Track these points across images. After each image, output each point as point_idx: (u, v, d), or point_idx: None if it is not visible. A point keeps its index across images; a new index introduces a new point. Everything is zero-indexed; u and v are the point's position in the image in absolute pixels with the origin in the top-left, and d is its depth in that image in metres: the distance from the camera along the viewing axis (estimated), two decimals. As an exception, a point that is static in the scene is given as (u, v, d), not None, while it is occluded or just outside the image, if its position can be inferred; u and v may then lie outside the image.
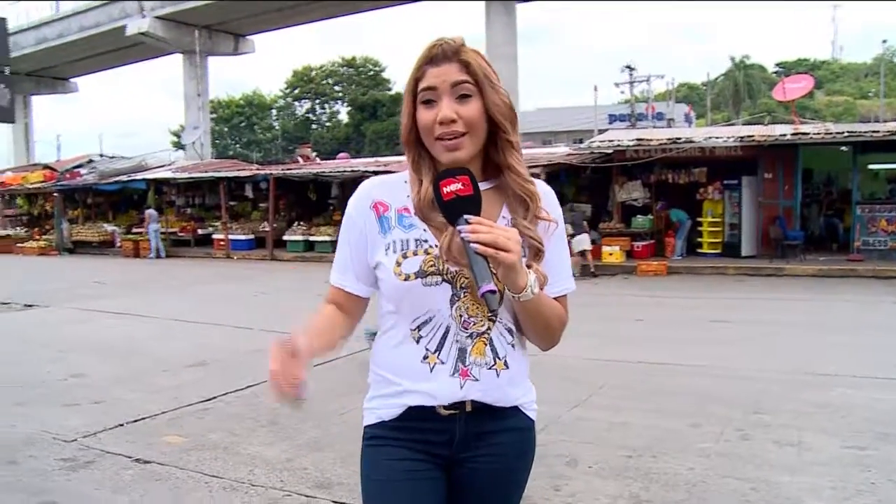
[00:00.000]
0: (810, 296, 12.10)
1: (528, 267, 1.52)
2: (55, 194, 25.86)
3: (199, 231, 24.09)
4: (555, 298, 1.63)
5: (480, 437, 1.62)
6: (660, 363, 7.19)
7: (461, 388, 1.57)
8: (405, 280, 1.55)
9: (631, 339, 8.57)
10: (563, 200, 18.13)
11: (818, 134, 16.00)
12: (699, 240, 17.53)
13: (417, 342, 1.58)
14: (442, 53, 1.54)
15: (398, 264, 1.57)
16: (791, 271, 14.83)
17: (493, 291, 1.39)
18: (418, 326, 1.58)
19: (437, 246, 1.54)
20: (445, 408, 1.58)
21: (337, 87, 64.71)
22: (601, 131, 25.31)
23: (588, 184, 19.25)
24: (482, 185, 1.55)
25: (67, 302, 12.27)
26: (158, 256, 22.21)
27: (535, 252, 1.57)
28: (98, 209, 27.46)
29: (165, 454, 4.73)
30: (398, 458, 1.61)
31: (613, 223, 17.76)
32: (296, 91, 65.65)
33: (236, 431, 5.21)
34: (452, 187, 1.45)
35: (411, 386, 1.59)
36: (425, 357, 1.58)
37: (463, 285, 1.55)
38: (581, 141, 21.50)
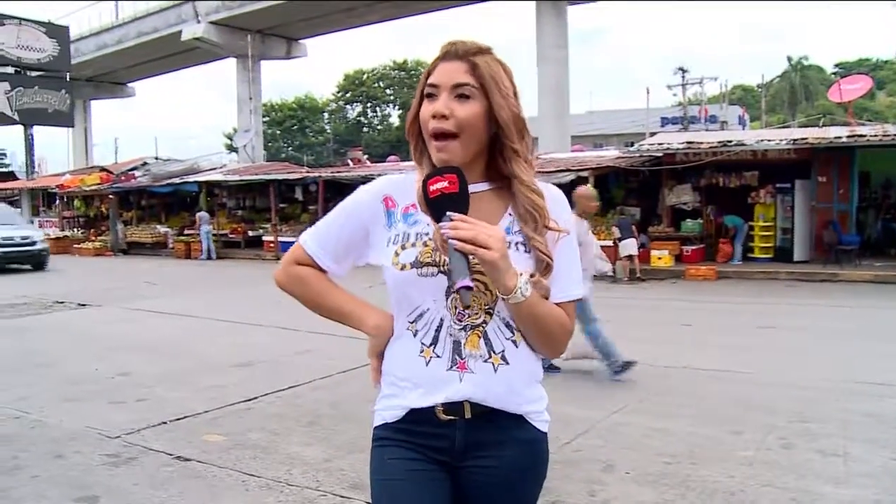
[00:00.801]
0: (865, 302, 11.76)
1: (531, 276, 1.49)
2: (110, 196, 26.52)
3: (250, 233, 24.45)
4: (560, 304, 1.58)
5: (482, 447, 1.59)
6: (704, 369, 7.06)
7: (460, 381, 1.55)
8: (402, 270, 1.55)
9: (677, 344, 8.44)
10: (611, 204, 18.01)
11: (875, 136, 15.53)
12: (751, 244, 17.20)
13: (414, 335, 1.58)
14: (454, 52, 1.54)
15: (396, 255, 1.57)
16: (846, 277, 14.45)
17: (468, 287, 1.38)
18: (414, 320, 1.57)
19: (437, 239, 1.53)
20: (444, 412, 1.56)
21: (388, 91, 65.03)
22: (652, 134, 25.02)
23: (637, 187, 19.04)
24: (482, 186, 1.57)
25: (119, 302, 12.57)
26: (209, 258, 22.60)
27: (545, 266, 1.54)
28: (151, 211, 28.06)
29: (205, 452, 4.80)
30: (402, 457, 1.60)
31: (663, 227, 17.54)
32: (347, 94, 66.12)
33: (276, 431, 5.27)
34: (438, 185, 1.44)
35: (410, 382, 1.58)
36: (421, 351, 1.57)
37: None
38: (632, 144, 21.26)
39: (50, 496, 4.10)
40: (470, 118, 1.51)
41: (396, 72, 64.43)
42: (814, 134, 16.77)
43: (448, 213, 1.43)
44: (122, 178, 27.55)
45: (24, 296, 13.29)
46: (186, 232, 24.69)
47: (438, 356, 1.56)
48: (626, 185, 19.29)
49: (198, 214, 23.36)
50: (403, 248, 1.57)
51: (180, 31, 38.30)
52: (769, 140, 16.48)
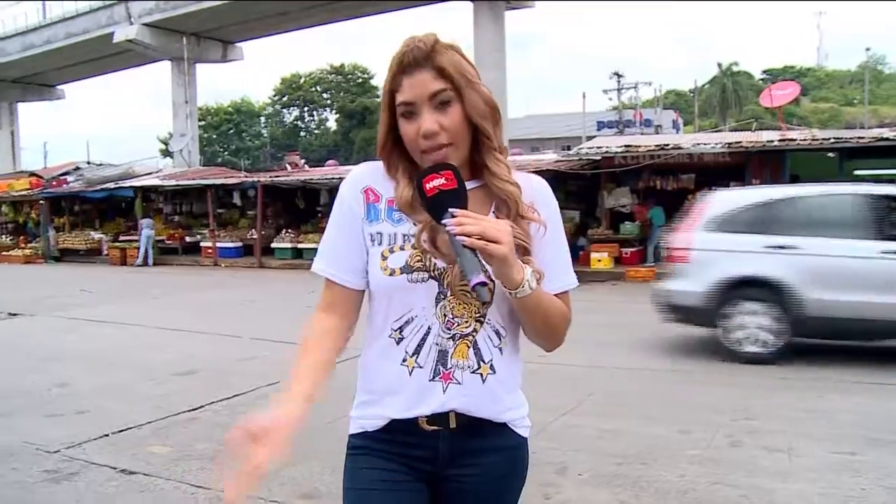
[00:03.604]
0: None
1: (526, 263, 1.45)
2: (41, 202, 25.69)
3: (187, 239, 23.95)
4: (556, 295, 1.56)
5: (466, 456, 1.56)
6: (648, 369, 7.18)
7: (444, 392, 1.51)
8: (390, 275, 1.50)
9: (621, 345, 8.55)
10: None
11: (805, 140, 16.06)
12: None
13: (398, 343, 1.52)
14: (414, 60, 1.46)
15: (384, 258, 1.51)
16: (779, 277, 14.81)
17: (483, 283, 1.32)
18: (400, 327, 1.52)
19: (424, 241, 1.49)
20: (428, 422, 1.52)
21: (325, 95, 64.76)
22: (589, 138, 25.40)
23: (576, 190, 19.28)
24: (469, 185, 1.50)
25: (53, 311, 12.17)
26: (145, 264, 22.07)
27: (523, 251, 1.48)
28: (85, 217, 27.23)
29: (150, 465, 4.66)
30: (378, 467, 1.56)
31: (602, 229, 17.77)
32: (284, 98, 65.68)
33: (223, 441, 5.13)
34: (435, 182, 1.39)
35: (391, 392, 1.54)
36: (404, 360, 1.52)
37: (450, 283, 1.49)
38: (569, 148, 21.55)
39: (-13, 515, 3.94)
40: (457, 124, 1.47)
41: (333, 76, 64.21)
42: (747, 138, 17.22)
43: (450, 209, 1.38)
44: (54, 183, 26.71)
45: (-51, 306, 12.76)
46: (122, 238, 24.09)
47: (420, 366, 1.51)
48: (565, 189, 19.50)
49: (140, 221, 22.81)
50: (391, 251, 1.51)
51: (112, 33, 37.33)
52: (705, 143, 16.86)
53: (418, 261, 1.49)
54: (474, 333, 1.52)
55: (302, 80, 64.72)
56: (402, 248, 1.51)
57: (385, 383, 1.55)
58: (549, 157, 20.37)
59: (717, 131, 27.77)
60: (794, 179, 17.97)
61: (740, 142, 16.38)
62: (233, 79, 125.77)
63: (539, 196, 1.59)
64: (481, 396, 1.53)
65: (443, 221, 1.38)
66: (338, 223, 1.58)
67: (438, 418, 1.52)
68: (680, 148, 16.75)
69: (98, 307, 12.61)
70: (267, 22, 37.09)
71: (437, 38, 1.49)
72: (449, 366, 1.51)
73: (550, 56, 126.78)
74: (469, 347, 1.52)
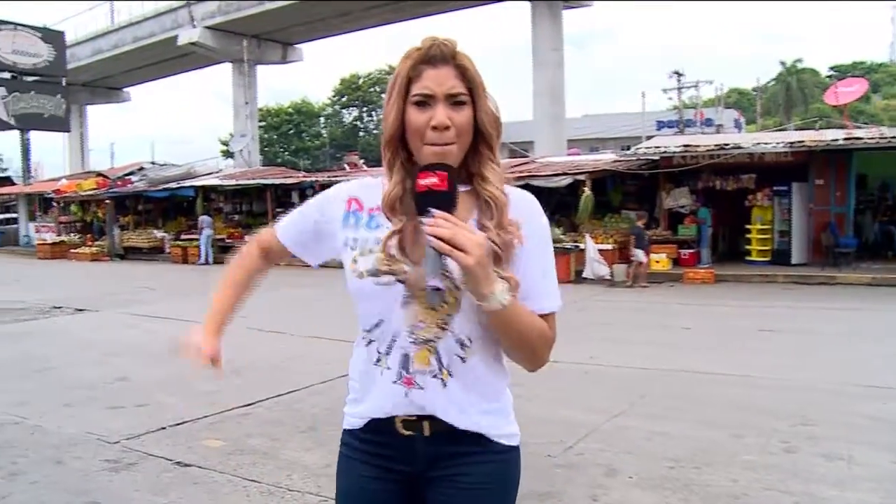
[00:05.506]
0: (863, 305, 11.77)
1: (505, 279, 1.42)
2: (107, 201, 26.44)
3: (246, 238, 24.29)
4: (542, 316, 1.54)
5: (447, 458, 1.57)
6: (705, 372, 7.05)
7: (405, 395, 1.53)
8: (359, 278, 1.53)
9: (676, 347, 8.43)
10: (608, 208, 18.01)
11: (872, 138, 15.57)
12: (748, 247, 17.24)
13: (369, 345, 1.57)
14: (440, 55, 1.49)
15: (354, 261, 1.55)
16: (843, 280, 14.45)
17: (436, 289, 1.35)
18: (370, 328, 1.56)
19: (391, 245, 1.51)
20: (404, 426, 1.55)
21: (384, 95, 65.07)
22: (648, 138, 25.05)
23: (635, 191, 19.06)
24: (461, 188, 1.50)
25: (116, 307, 12.53)
26: (206, 263, 22.51)
27: (495, 257, 1.45)
28: (148, 216, 28.00)
29: (205, 458, 4.77)
30: (360, 474, 1.63)
31: (660, 230, 17.54)
32: (343, 99, 66.23)
33: (276, 436, 5.25)
34: (428, 180, 1.40)
35: (367, 391, 1.59)
36: (377, 361, 1.56)
37: (412, 287, 1.49)
38: (628, 148, 21.28)
39: (49, 502, 4.07)
40: (466, 125, 1.49)
41: (392, 76, 64.49)
42: (810, 137, 16.80)
43: (431, 209, 1.38)
44: (119, 182, 27.50)
45: (21, 301, 13.23)
46: (183, 237, 24.64)
47: (389, 368, 1.54)
48: (624, 189, 19.29)
49: (200, 219, 23.29)
50: (362, 254, 1.55)
51: (176, 36, 38.25)
52: (766, 143, 16.52)
53: (386, 264, 1.50)
54: (436, 340, 1.52)
55: (361, 81, 65.17)
56: (370, 252, 1.53)
57: (363, 382, 1.60)
58: (606, 157, 20.17)
59: (780, 130, 27.16)
60: (862, 179, 17.53)
61: (803, 141, 15.99)
62: (293, 80, 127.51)
63: (527, 213, 1.56)
64: (442, 401, 1.53)
65: (422, 219, 1.40)
66: (308, 211, 1.74)
67: (412, 425, 1.55)
68: (740, 147, 16.43)
69: (159, 304, 12.94)
70: (328, 23, 37.49)
71: (457, 44, 1.53)
72: (411, 370, 1.53)
73: (611, 55, 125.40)
74: (431, 353, 1.52)
